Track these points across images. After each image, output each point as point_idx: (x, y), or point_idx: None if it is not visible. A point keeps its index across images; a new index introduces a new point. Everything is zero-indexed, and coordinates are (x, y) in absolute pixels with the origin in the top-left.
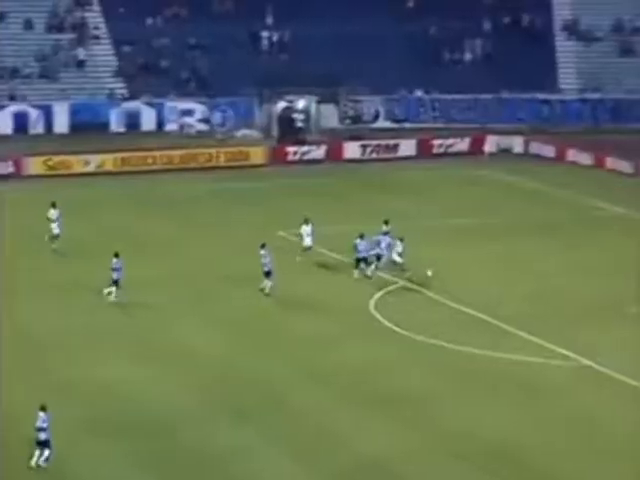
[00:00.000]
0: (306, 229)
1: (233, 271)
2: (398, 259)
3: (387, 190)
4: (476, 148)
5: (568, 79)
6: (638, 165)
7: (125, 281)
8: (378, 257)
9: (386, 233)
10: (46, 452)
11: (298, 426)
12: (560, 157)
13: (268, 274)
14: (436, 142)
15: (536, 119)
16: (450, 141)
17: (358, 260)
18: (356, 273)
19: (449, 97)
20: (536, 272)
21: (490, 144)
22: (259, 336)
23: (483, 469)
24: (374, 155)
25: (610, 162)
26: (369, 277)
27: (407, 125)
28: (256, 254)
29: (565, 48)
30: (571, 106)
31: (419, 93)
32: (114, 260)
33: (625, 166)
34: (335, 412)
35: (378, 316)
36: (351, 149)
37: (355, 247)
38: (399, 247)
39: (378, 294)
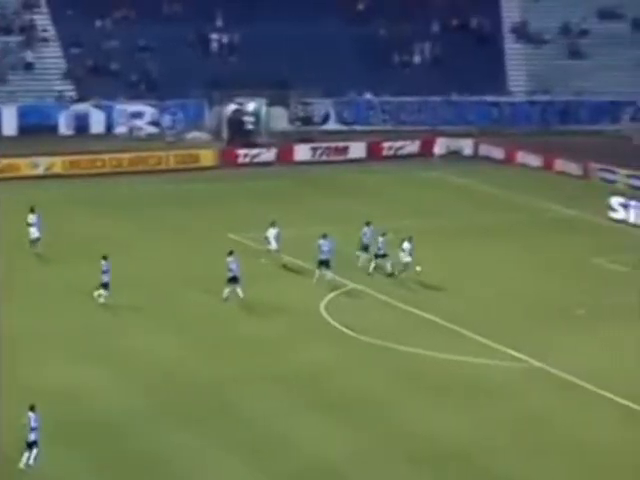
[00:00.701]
0: (272, 232)
1: (185, 273)
2: (407, 258)
3: (337, 192)
4: (426, 150)
5: (517, 81)
6: (587, 167)
7: (84, 284)
8: (381, 255)
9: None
10: (34, 451)
11: (248, 429)
12: (509, 159)
13: (234, 280)
14: (386, 144)
15: (485, 121)
16: (400, 143)
17: (321, 262)
18: (317, 274)
19: (398, 100)
20: (487, 274)
21: (440, 146)
22: (210, 339)
23: (433, 470)
24: (324, 157)
25: (559, 164)
26: (327, 280)
27: (357, 127)
28: (208, 256)
29: (514, 50)
30: (520, 108)
31: (369, 96)
32: (102, 262)
33: (574, 168)
34: (285, 415)
35: (329, 318)
36: (301, 151)
37: (319, 247)
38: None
39: (329, 296)
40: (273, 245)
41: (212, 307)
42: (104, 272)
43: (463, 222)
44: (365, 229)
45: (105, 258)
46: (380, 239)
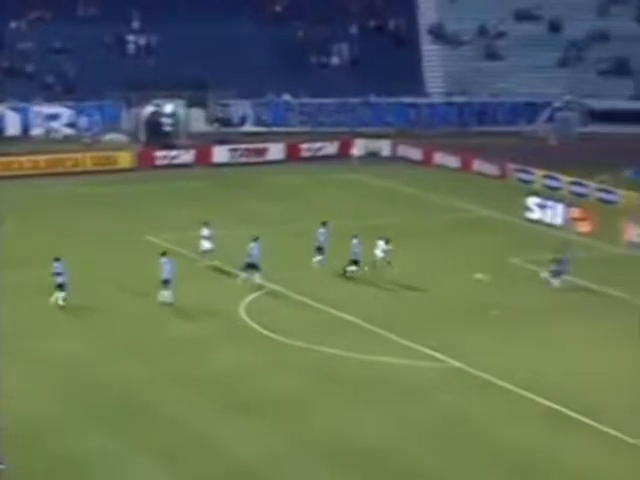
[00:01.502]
0: (205, 232)
1: (105, 275)
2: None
3: (256, 194)
4: (344, 152)
5: (434, 82)
6: (504, 167)
7: (3, 289)
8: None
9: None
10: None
11: (166, 431)
12: (427, 160)
13: (166, 282)
14: (304, 146)
15: (404, 122)
16: (318, 145)
17: (249, 265)
18: (243, 276)
19: (317, 101)
20: (405, 274)
21: (358, 147)
22: (128, 341)
23: (353, 470)
24: (243, 159)
25: (477, 164)
26: (254, 283)
27: (275, 129)
28: (126, 258)
29: (431, 52)
30: (438, 109)
31: (287, 97)
32: (55, 264)
33: (491, 168)
34: (203, 416)
35: (248, 320)
36: (220, 153)
37: (249, 250)
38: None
39: (248, 298)
40: (205, 246)
41: (131, 309)
42: (57, 274)
43: (381, 223)
44: (321, 230)
45: (57, 260)
46: (354, 241)
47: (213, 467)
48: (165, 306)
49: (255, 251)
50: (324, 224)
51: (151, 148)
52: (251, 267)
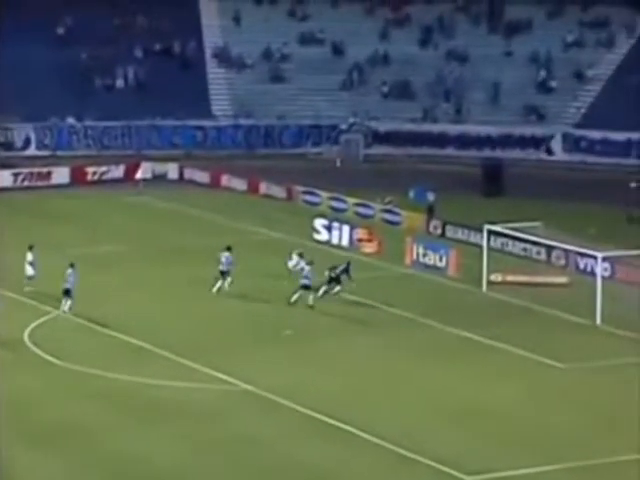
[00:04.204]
0: (29, 257)
1: None
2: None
3: (42, 219)
4: (131, 175)
5: (221, 105)
6: (291, 190)
7: None
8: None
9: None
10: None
11: None
12: (215, 183)
13: (67, 292)
14: (90, 169)
15: (191, 145)
16: (104, 168)
17: (66, 291)
18: (64, 304)
19: (102, 124)
20: (193, 298)
21: (144, 171)
22: None
23: None
24: (27, 183)
25: (264, 187)
26: (66, 309)
27: (60, 153)
28: None
29: (216, 75)
30: (225, 132)
31: (71, 120)
32: (69, 270)
33: (278, 191)
34: None
35: (33, 347)
36: (2, 178)
37: (66, 277)
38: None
39: (33, 324)
40: (29, 271)
41: None
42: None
43: (166, 246)
44: (224, 254)
45: (72, 266)
46: (306, 268)
47: None
48: None
49: (71, 278)
50: (229, 249)
51: None
52: (66, 293)
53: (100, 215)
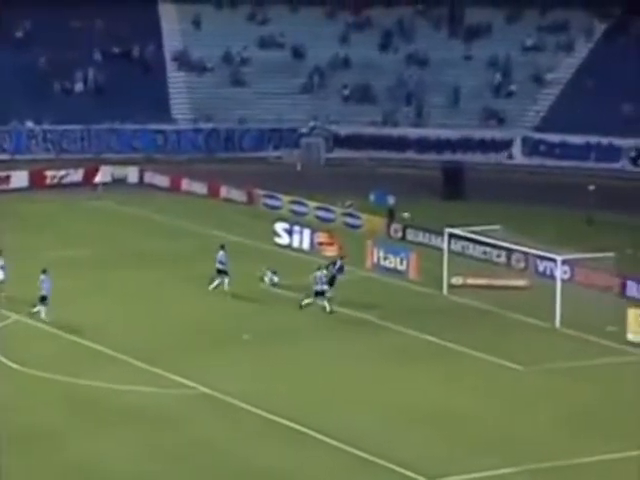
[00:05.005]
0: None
1: None
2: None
3: (2, 223)
4: (90, 179)
5: (181, 109)
6: (251, 193)
7: None
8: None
9: None
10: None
11: None
12: (175, 187)
13: (44, 299)
14: (49, 173)
15: (151, 149)
16: (63, 172)
17: (42, 298)
18: (38, 309)
19: (61, 127)
20: (152, 302)
21: (104, 174)
22: None
23: None
24: None
25: (224, 191)
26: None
27: (18, 157)
28: None
29: (176, 79)
30: (185, 136)
31: (30, 124)
32: (42, 277)
33: (239, 195)
34: None
35: None
36: None
37: (40, 283)
38: None
39: None
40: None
41: None
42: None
43: (127, 250)
44: (219, 253)
45: (44, 272)
46: (317, 274)
47: None
48: None
49: (45, 284)
50: (222, 247)
51: None
52: (42, 300)
53: (61, 219)
